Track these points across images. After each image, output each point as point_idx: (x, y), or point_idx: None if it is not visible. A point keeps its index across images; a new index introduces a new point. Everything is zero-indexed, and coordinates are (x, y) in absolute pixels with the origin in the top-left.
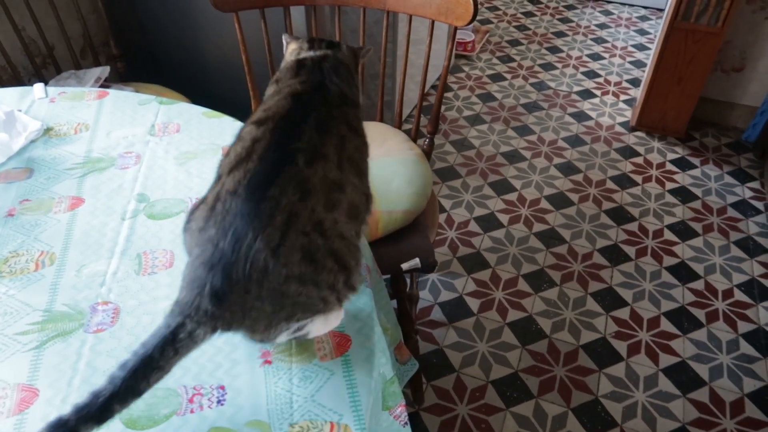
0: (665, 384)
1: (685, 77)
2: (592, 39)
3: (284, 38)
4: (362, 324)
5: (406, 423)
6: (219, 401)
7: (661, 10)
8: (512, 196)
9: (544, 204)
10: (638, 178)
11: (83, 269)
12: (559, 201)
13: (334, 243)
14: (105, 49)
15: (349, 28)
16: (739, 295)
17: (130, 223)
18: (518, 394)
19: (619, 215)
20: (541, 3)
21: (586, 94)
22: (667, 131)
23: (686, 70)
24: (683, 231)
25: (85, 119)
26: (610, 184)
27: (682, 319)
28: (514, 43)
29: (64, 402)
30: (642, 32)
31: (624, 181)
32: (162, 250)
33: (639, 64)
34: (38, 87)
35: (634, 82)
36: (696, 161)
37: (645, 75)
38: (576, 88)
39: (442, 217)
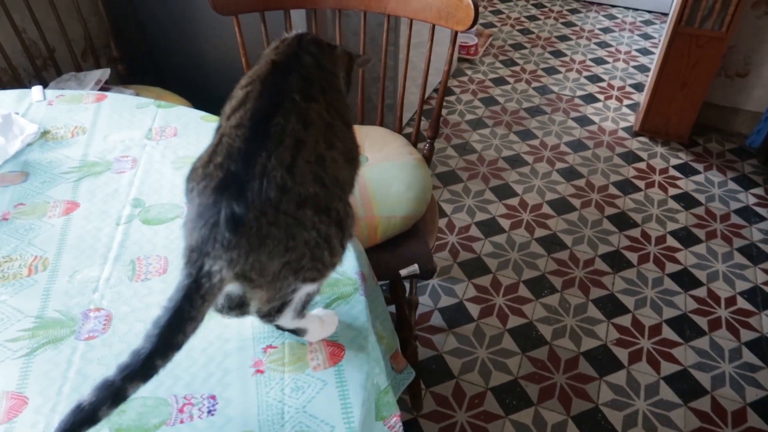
0: (666, 392)
1: (688, 82)
2: (595, 43)
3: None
4: (356, 333)
5: None
6: (209, 411)
7: (666, 15)
8: (514, 201)
9: (546, 209)
10: (641, 184)
11: (76, 275)
12: (561, 206)
13: (338, 176)
14: (106, 51)
15: (351, 30)
16: (742, 303)
17: (124, 228)
18: (518, 402)
19: (622, 221)
20: (545, 7)
21: (589, 99)
22: (671, 136)
23: (690, 75)
24: (686, 237)
25: (83, 122)
26: (612, 190)
27: (684, 327)
28: (518, 46)
29: (53, 411)
30: (646, 36)
31: (626, 187)
32: (156, 256)
33: (643, 69)
34: (36, 89)
35: (638, 87)
36: (699, 167)
37: (648, 80)
38: (579, 93)
39: (443, 222)
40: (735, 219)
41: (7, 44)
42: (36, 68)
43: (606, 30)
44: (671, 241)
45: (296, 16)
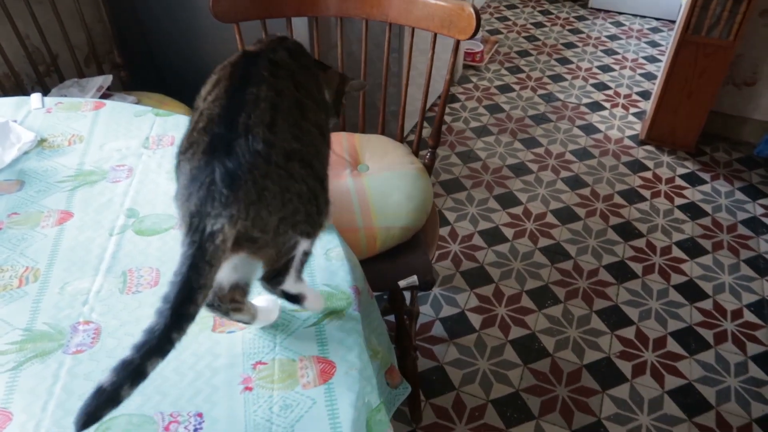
0: (670, 407)
1: (695, 91)
2: (602, 50)
3: None
4: (347, 350)
5: None
6: (196, 430)
7: (674, 22)
8: (518, 210)
9: (550, 218)
10: (647, 193)
11: (67, 287)
12: (566, 215)
13: (315, 143)
14: (110, 57)
15: (356, 37)
16: (749, 316)
17: (117, 239)
18: (519, 415)
19: (627, 231)
20: (552, 14)
21: (595, 107)
22: (677, 145)
23: (697, 84)
24: (692, 248)
25: (80, 131)
26: (617, 199)
27: (690, 340)
28: (524, 53)
29: (37, 427)
30: (653, 44)
31: (632, 196)
32: (148, 268)
33: (650, 77)
34: (35, 97)
35: (645, 95)
36: (706, 176)
37: (655, 88)
38: (585, 100)
39: (445, 230)
40: (742, 230)
41: (10, 50)
42: (38, 74)
43: (613, 37)
44: (677, 252)
45: (299, 23)
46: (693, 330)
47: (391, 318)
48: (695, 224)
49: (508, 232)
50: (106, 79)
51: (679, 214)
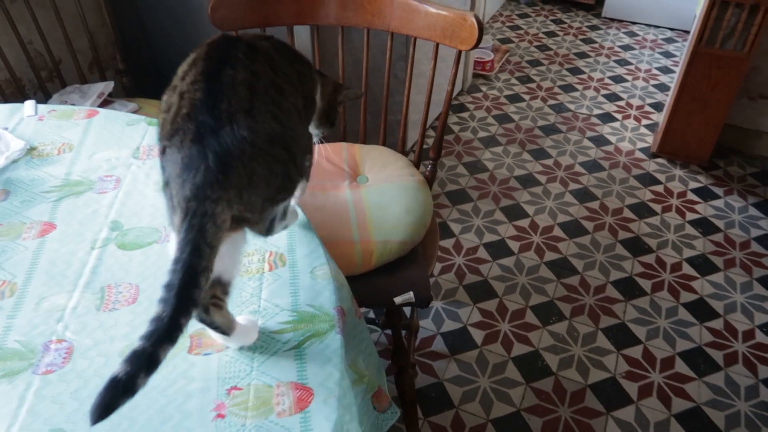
0: (677, 431)
1: (709, 103)
2: (615, 61)
3: None
4: (327, 376)
5: None
6: None
7: (689, 32)
8: (524, 223)
9: (557, 232)
10: (657, 208)
11: (43, 302)
12: (573, 229)
13: (293, 126)
14: (113, 63)
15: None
16: (761, 337)
17: (98, 252)
18: None
19: (636, 246)
20: (565, 23)
21: (607, 118)
22: (690, 159)
23: (710, 96)
24: (703, 265)
25: (71, 139)
26: (627, 213)
27: (699, 361)
28: (535, 63)
29: None
30: (667, 55)
31: (642, 210)
32: (127, 284)
33: (663, 88)
34: (29, 104)
35: (657, 107)
36: (719, 191)
37: (668, 99)
38: (596, 111)
39: (449, 242)
40: (755, 247)
41: (12, 55)
42: (40, 80)
43: (626, 47)
44: (687, 269)
45: (302, 31)
46: (702, 351)
47: (389, 331)
48: (707, 240)
49: (514, 246)
50: (107, 86)
51: (690, 229)
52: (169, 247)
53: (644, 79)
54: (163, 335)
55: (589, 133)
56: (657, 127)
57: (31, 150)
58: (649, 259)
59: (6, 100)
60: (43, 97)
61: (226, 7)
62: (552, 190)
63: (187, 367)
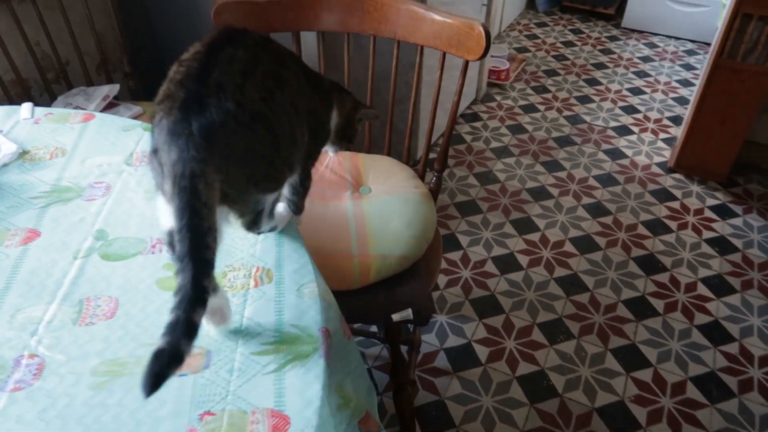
0: None
1: (729, 118)
2: (633, 72)
3: None
4: (306, 403)
5: None
6: None
7: (710, 45)
8: (534, 236)
9: (568, 247)
10: (673, 225)
11: (18, 314)
12: (585, 244)
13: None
14: (122, 66)
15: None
16: None
17: (81, 263)
18: None
19: (649, 264)
20: (583, 33)
21: (623, 131)
22: (708, 175)
23: (730, 111)
24: (719, 286)
25: (65, 144)
26: (641, 229)
27: (711, 387)
28: (551, 73)
29: None
30: (688, 67)
31: (657, 227)
32: (107, 297)
33: (682, 101)
34: (25, 106)
35: (676, 120)
36: (738, 209)
37: (687, 113)
38: (612, 124)
39: (457, 255)
40: None
41: (19, 56)
42: (46, 81)
43: (646, 59)
44: (702, 290)
45: (310, 37)
46: (716, 376)
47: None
48: (724, 260)
49: (523, 260)
50: (112, 89)
51: (706, 248)
52: (159, 212)
53: (663, 92)
54: (192, 299)
55: (605, 146)
56: (675, 142)
57: (23, 154)
58: (663, 278)
59: (11, 102)
60: (49, 99)
61: (229, 11)
62: (564, 203)
63: (161, 388)
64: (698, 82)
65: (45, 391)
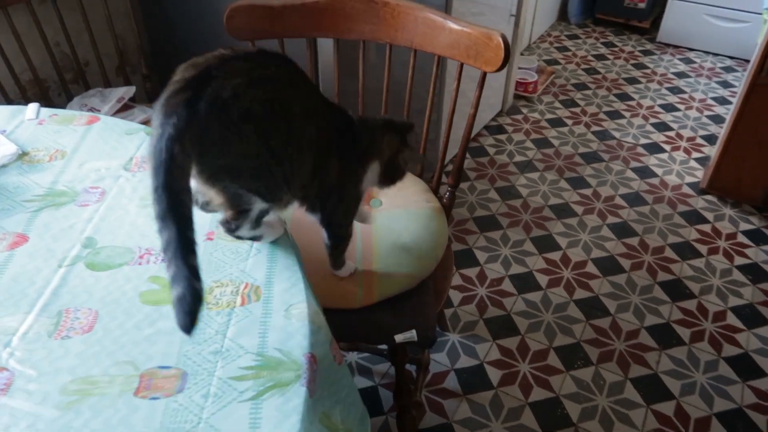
0: None
1: (766, 139)
2: (667, 88)
3: None
4: None
5: None
6: None
7: (749, 62)
8: (555, 255)
9: (591, 268)
10: (703, 249)
11: None
12: (608, 266)
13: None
14: (140, 68)
15: (400, 60)
16: None
17: (65, 271)
18: None
19: (676, 290)
20: (616, 46)
21: (654, 148)
22: (743, 198)
23: None
24: (750, 316)
25: (65, 146)
26: (669, 253)
27: (738, 425)
28: (581, 86)
29: None
30: (725, 84)
31: (686, 251)
32: (87, 309)
33: (718, 120)
34: (31, 107)
35: (710, 139)
36: None
37: (722, 132)
38: (643, 141)
39: (474, 271)
40: None
41: (38, 56)
42: (64, 82)
43: (681, 74)
44: (732, 319)
45: (325, 44)
46: (743, 413)
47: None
48: (756, 289)
49: (542, 280)
50: (128, 91)
51: (738, 275)
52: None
53: (698, 109)
54: (182, 247)
55: (634, 164)
56: (708, 162)
57: (22, 155)
58: (690, 305)
59: (28, 101)
60: (66, 99)
61: (242, 15)
62: (588, 222)
63: (129, 412)
64: (735, 101)
65: (9, 409)
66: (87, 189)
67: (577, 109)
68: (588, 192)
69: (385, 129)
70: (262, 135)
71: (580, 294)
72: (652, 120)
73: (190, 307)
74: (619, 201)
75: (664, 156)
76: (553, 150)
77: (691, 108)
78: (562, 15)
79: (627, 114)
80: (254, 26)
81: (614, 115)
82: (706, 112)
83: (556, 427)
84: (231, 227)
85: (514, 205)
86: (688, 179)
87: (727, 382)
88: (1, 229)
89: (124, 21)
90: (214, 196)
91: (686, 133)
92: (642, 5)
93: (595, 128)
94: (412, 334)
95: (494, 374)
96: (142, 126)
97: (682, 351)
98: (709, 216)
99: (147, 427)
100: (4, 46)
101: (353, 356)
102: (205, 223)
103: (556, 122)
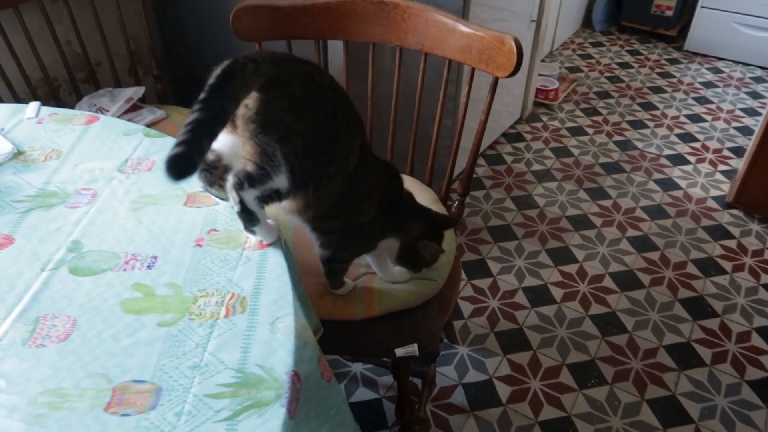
0: None
1: None
2: (693, 98)
3: None
4: None
5: None
6: None
7: None
8: (571, 268)
9: (608, 282)
10: (727, 266)
11: None
12: (627, 281)
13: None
14: (151, 68)
15: (416, 64)
16: None
17: (47, 275)
18: None
19: (698, 308)
20: (641, 54)
21: (678, 160)
22: None
23: None
24: None
25: (62, 146)
26: (691, 268)
27: None
28: (603, 95)
29: None
30: (755, 95)
31: (709, 267)
32: (65, 317)
33: (746, 131)
34: (32, 105)
35: (738, 152)
36: None
37: (750, 144)
38: (667, 152)
39: (486, 282)
40: None
41: (48, 56)
42: (74, 81)
43: (708, 84)
44: (757, 341)
45: (336, 46)
46: None
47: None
48: None
49: (557, 293)
50: (137, 91)
51: (764, 294)
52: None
53: (725, 120)
54: (201, 128)
55: (656, 175)
56: (735, 175)
57: (18, 154)
58: (712, 324)
59: (37, 100)
60: (76, 99)
61: (249, 15)
62: (607, 234)
63: (99, 428)
64: (765, 111)
65: None
66: (79, 191)
67: (599, 118)
68: (608, 203)
69: (422, 218)
70: (331, 127)
71: (596, 309)
72: (677, 130)
73: (185, 164)
74: (640, 213)
75: (689, 168)
76: (572, 159)
77: (718, 119)
78: (587, 22)
79: (651, 124)
80: (261, 27)
81: (637, 124)
82: (734, 124)
83: None
84: (240, 182)
85: (531, 216)
86: (714, 192)
87: (750, 406)
88: None
89: (136, 21)
90: (248, 147)
91: (712, 144)
92: (669, 12)
93: (617, 138)
94: (413, 348)
95: (503, 390)
96: (141, 127)
97: (702, 372)
98: (735, 231)
99: None
100: (15, 44)
101: (358, 367)
102: (196, 227)
103: (577, 131)
